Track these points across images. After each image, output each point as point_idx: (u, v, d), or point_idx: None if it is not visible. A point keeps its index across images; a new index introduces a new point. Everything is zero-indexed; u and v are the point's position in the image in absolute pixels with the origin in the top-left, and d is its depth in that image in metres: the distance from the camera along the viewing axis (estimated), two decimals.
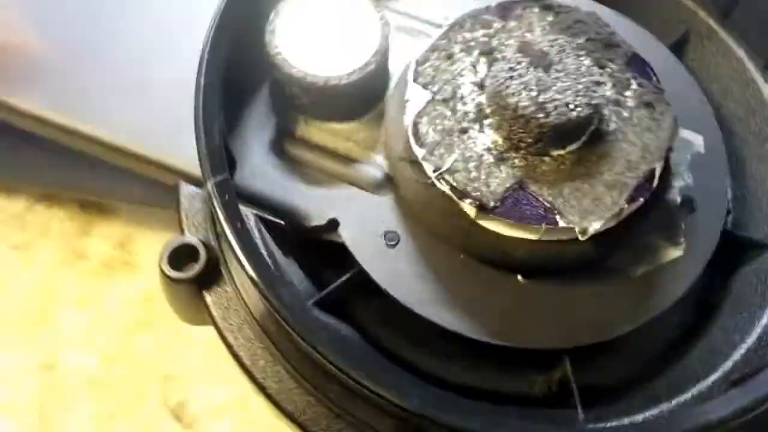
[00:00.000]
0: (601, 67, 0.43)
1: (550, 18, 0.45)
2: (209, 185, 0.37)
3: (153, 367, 0.59)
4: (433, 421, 0.34)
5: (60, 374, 0.60)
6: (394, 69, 0.47)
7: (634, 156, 0.41)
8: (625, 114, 0.42)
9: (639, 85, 0.43)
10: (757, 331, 0.44)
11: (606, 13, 0.49)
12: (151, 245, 0.65)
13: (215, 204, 0.37)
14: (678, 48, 0.52)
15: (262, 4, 0.44)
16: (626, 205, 0.40)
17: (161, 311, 0.62)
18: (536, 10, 0.45)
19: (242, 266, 0.36)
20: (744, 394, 0.38)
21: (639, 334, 0.42)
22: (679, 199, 0.45)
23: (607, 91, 0.42)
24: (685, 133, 0.46)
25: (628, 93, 0.43)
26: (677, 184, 0.45)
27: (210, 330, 0.60)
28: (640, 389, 0.43)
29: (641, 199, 0.40)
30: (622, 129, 0.42)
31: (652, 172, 0.41)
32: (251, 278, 0.36)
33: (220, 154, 0.39)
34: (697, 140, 0.46)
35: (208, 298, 0.42)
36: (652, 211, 0.43)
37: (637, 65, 0.44)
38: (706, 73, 0.52)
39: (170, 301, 0.44)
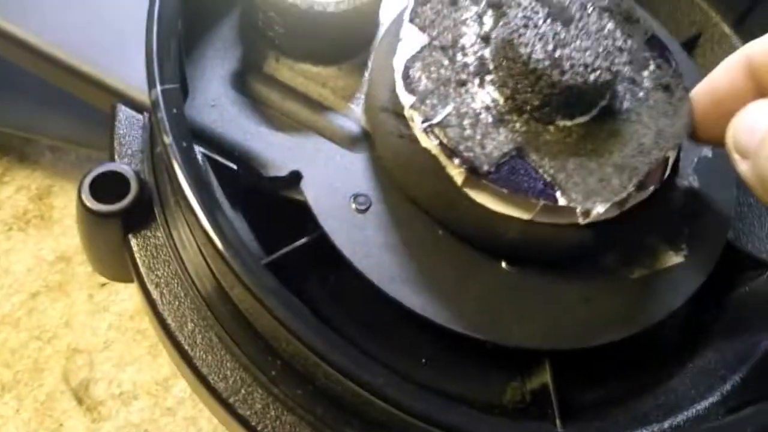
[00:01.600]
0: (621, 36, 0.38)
1: None
2: (155, 92, 0.30)
3: (58, 337, 0.51)
4: (400, 407, 0.27)
5: None
6: (384, 19, 0.41)
7: (647, 140, 0.36)
8: (641, 94, 0.37)
9: (657, 66, 0.38)
10: (757, 356, 0.39)
11: None
12: (71, 199, 0.56)
13: (159, 117, 0.30)
14: (687, 48, 0.48)
15: None
16: (634, 192, 0.35)
17: (76, 275, 0.54)
18: None
19: (186, 200, 0.29)
20: (744, 420, 0.33)
21: (629, 344, 0.37)
22: (683, 201, 0.40)
23: (624, 66, 0.38)
24: None
25: (645, 73, 0.38)
26: (682, 185, 0.40)
27: (127, 303, 0.53)
28: (627, 406, 0.37)
29: (651, 188, 0.35)
30: (637, 109, 0.37)
31: (666, 160, 0.36)
32: (196, 217, 0.29)
33: (172, 63, 0.32)
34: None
35: (134, 242, 0.34)
36: (655, 211, 0.38)
37: (657, 46, 0.39)
38: None
39: (87, 245, 0.36)
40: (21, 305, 0.52)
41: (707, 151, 0.42)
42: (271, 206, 0.38)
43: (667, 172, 0.36)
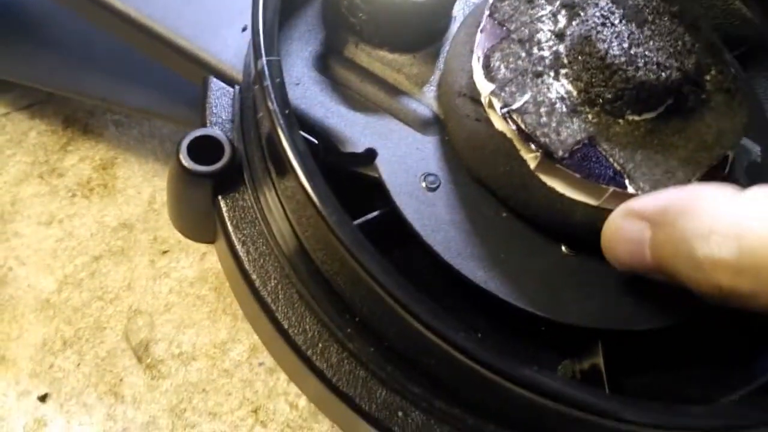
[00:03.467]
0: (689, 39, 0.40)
1: None
2: (261, 63, 0.32)
3: (120, 298, 0.53)
4: (478, 361, 0.29)
5: (10, 292, 0.53)
6: (458, 12, 0.44)
7: (709, 138, 0.38)
8: (703, 96, 0.39)
9: (719, 72, 0.41)
10: None
11: None
12: (134, 172, 0.59)
13: (265, 85, 0.32)
14: (740, 61, 0.50)
15: None
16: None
17: (138, 241, 0.56)
18: None
19: (290, 163, 0.31)
20: None
21: (681, 332, 0.39)
22: None
23: (692, 63, 0.40)
24: (744, 141, 0.44)
25: (707, 77, 0.40)
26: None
27: (188, 271, 0.55)
28: (673, 394, 0.39)
29: (713, 182, 0.37)
30: (699, 110, 0.39)
31: (726, 158, 0.38)
32: (298, 179, 0.31)
33: (274, 36, 0.34)
34: (755, 149, 0.44)
35: (223, 203, 0.37)
36: None
37: (718, 53, 0.41)
38: (761, 89, 0.50)
39: (175, 203, 0.39)
40: (84, 267, 0.54)
41: (756, 157, 0.44)
42: (347, 180, 0.40)
43: (727, 169, 0.38)
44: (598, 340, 0.38)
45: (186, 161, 0.35)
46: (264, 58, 0.32)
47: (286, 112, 0.32)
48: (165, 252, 0.54)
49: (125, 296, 0.53)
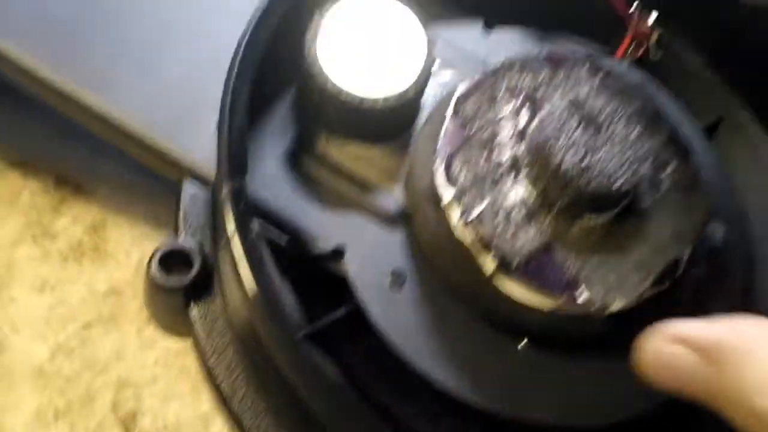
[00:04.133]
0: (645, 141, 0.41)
1: (599, 78, 0.43)
2: (225, 189, 0.34)
3: (108, 368, 0.55)
4: None
5: (6, 360, 0.55)
6: (427, 99, 0.45)
7: (664, 238, 0.39)
8: (660, 194, 0.40)
9: (677, 167, 0.41)
10: None
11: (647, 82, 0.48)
12: (125, 233, 0.61)
13: (227, 211, 0.34)
14: (708, 134, 0.51)
15: (304, 5, 0.42)
16: (651, 288, 0.38)
17: (127, 308, 0.58)
18: (587, 66, 0.43)
19: (244, 289, 0.33)
20: None
21: (640, 425, 0.40)
22: (692, 289, 0.43)
23: (645, 168, 0.41)
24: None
25: (664, 173, 0.41)
26: (694, 274, 0.43)
27: (172, 340, 0.57)
28: None
29: (666, 283, 0.39)
30: (655, 209, 0.40)
31: (680, 258, 0.39)
32: (254, 301, 0.33)
33: (242, 158, 0.36)
34: (718, 232, 0.45)
35: (195, 311, 0.38)
36: (668, 299, 0.41)
37: (679, 147, 0.42)
38: (733, 164, 0.51)
39: (150, 309, 0.40)
40: (75, 335, 0.56)
41: (718, 241, 0.45)
42: (318, 276, 0.42)
43: (681, 269, 0.39)
44: None
45: (156, 276, 0.37)
46: (228, 184, 0.34)
47: (250, 237, 0.34)
48: (151, 320, 0.56)
49: (114, 366, 0.55)
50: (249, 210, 0.35)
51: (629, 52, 0.51)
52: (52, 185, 0.65)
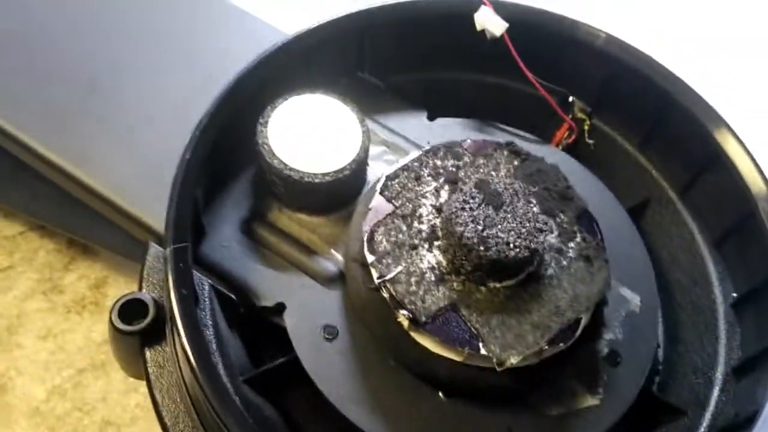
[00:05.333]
0: (552, 216, 0.46)
1: (516, 162, 0.49)
2: (168, 249, 0.40)
3: (96, 410, 0.61)
4: None
5: (8, 398, 0.62)
6: (372, 177, 0.51)
7: (563, 303, 0.44)
8: (564, 263, 0.45)
9: (583, 239, 0.46)
10: None
11: (575, 168, 0.54)
12: (121, 290, 0.68)
13: (169, 268, 0.40)
14: (637, 211, 0.55)
15: (259, 99, 0.49)
16: (546, 347, 0.43)
17: None
18: (505, 153, 0.49)
19: (178, 332, 0.39)
20: None
21: None
22: (606, 351, 0.47)
23: (553, 238, 0.46)
24: (624, 291, 0.49)
25: (571, 244, 0.46)
26: (607, 336, 0.48)
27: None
28: None
29: (561, 345, 0.43)
30: (559, 276, 0.45)
31: (578, 321, 0.44)
32: (183, 346, 0.39)
33: (187, 222, 0.42)
34: (634, 299, 0.49)
35: (148, 354, 0.44)
36: (576, 358, 0.45)
37: (586, 221, 0.47)
38: (659, 239, 0.55)
39: (113, 351, 0.47)
40: (69, 379, 0.63)
41: (635, 308, 0.49)
42: (263, 328, 0.47)
43: (578, 331, 0.44)
44: None
45: (116, 322, 0.43)
46: (171, 246, 0.41)
47: (183, 292, 0.40)
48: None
49: (100, 408, 0.61)
50: (188, 269, 0.41)
51: (564, 139, 0.57)
52: (65, 246, 0.73)
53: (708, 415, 0.47)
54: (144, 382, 0.61)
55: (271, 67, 0.50)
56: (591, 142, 0.57)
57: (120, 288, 0.69)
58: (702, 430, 0.47)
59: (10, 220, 0.74)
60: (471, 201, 0.44)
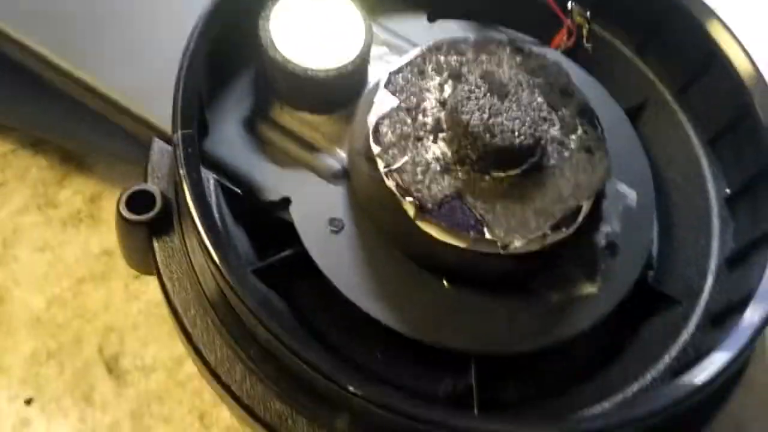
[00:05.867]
0: (554, 109, 0.47)
1: (518, 59, 0.49)
2: (176, 136, 0.40)
3: (97, 317, 0.62)
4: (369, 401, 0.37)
5: (7, 309, 0.62)
6: (372, 78, 0.51)
7: (565, 191, 0.45)
8: (566, 154, 0.46)
9: (584, 131, 0.47)
10: (651, 374, 0.47)
11: (575, 70, 0.54)
12: None
13: (178, 154, 0.40)
14: (635, 113, 0.56)
15: None
16: (549, 232, 0.44)
17: (116, 266, 0.65)
18: (508, 49, 0.49)
19: (191, 216, 0.39)
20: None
21: (545, 354, 0.46)
22: (604, 242, 0.49)
23: (555, 131, 0.46)
24: (621, 187, 0.50)
25: (573, 136, 0.47)
26: (605, 229, 0.49)
27: (153, 294, 0.63)
28: (536, 409, 0.46)
29: (564, 230, 0.44)
30: (561, 166, 0.46)
31: (579, 208, 0.45)
32: (197, 229, 0.39)
33: (193, 112, 0.42)
34: (631, 195, 0.51)
35: (156, 245, 0.45)
36: (577, 247, 0.47)
37: (587, 115, 0.48)
38: (656, 140, 0.56)
39: (121, 243, 0.47)
40: (69, 288, 0.63)
41: (632, 203, 0.50)
42: (268, 223, 0.48)
43: (580, 218, 0.45)
44: (471, 361, 0.45)
45: (124, 211, 0.43)
46: (179, 132, 0.41)
47: (194, 176, 0.40)
48: (137, 277, 0.63)
49: (101, 315, 0.61)
50: (196, 155, 0.41)
51: (563, 43, 0.57)
52: (58, 162, 0.72)
53: (702, 303, 0.49)
54: (147, 287, 0.63)
55: None
56: (589, 46, 0.57)
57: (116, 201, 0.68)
58: (696, 317, 0.49)
59: (2, 137, 0.73)
60: (476, 90, 0.44)
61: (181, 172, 0.40)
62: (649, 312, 0.50)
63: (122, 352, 0.59)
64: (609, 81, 0.55)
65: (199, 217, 0.39)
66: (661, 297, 0.50)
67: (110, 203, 0.69)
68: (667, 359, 0.47)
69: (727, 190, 0.53)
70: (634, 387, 0.46)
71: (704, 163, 0.54)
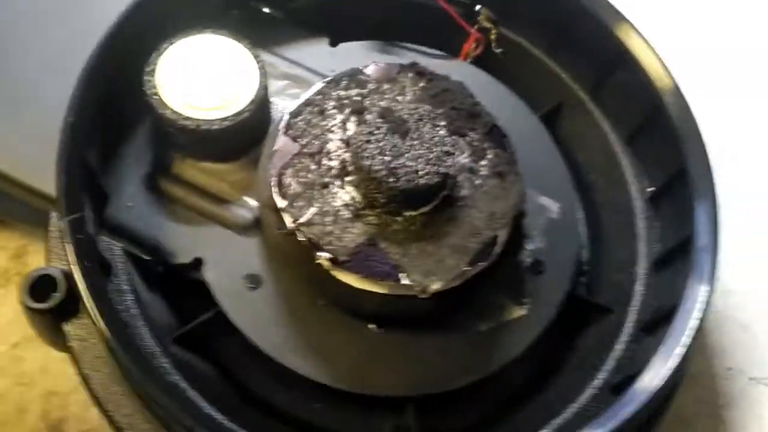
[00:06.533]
0: (461, 135, 0.45)
1: (422, 84, 0.47)
2: (63, 221, 0.39)
3: (37, 382, 0.60)
4: None
5: None
6: (277, 114, 0.49)
7: (480, 222, 0.44)
8: (478, 182, 0.45)
9: (495, 155, 0.46)
10: (590, 391, 0.47)
11: (484, 80, 0.53)
12: (44, 259, 0.65)
13: (67, 241, 0.38)
14: (551, 117, 0.55)
15: (145, 43, 0.46)
16: (467, 268, 0.43)
17: None
18: (410, 75, 0.48)
19: (86, 307, 0.38)
20: None
21: (482, 385, 0.45)
22: (529, 261, 0.48)
23: (465, 158, 0.45)
24: (542, 200, 0.50)
25: (483, 162, 0.46)
26: (529, 247, 0.48)
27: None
28: None
29: (481, 264, 0.43)
30: (473, 196, 0.45)
31: (495, 238, 0.44)
32: (94, 321, 0.38)
33: (79, 192, 0.40)
34: (553, 207, 0.50)
35: (66, 327, 0.43)
36: (499, 272, 0.46)
37: (496, 136, 0.46)
38: (575, 143, 0.55)
39: (33, 329, 0.45)
40: (4, 354, 0.62)
41: (554, 214, 0.50)
42: (185, 285, 0.46)
43: (497, 248, 0.44)
44: (410, 404, 0.45)
45: (27, 301, 0.41)
46: (66, 218, 0.39)
47: (87, 265, 0.38)
48: None
49: (41, 379, 0.60)
50: (90, 239, 0.40)
51: (471, 52, 0.55)
52: None
53: (633, 310, 0.49)
54: None
55: (150, 9, 0.47)
56: (499, 51, 0.56)
57: (42, 256, 0.66)
58: (628, 325, 0.49)
59: None
60: (376, 132, 0.43)
61: (72, 263, 0.38)
62: (582, 324, 0.50)
63: (65, 417, 0.58)
64: (522, 86, 0.54)
65: (96, 311, 0.37)
66: (593, 307, 0.50)
67: (36, 258, 0.67)
68: (604, 373, 0.47)
69: (649, 189, 0.52)
70: (573, 408, 0.46)
71: (624, 162, 0.53)
